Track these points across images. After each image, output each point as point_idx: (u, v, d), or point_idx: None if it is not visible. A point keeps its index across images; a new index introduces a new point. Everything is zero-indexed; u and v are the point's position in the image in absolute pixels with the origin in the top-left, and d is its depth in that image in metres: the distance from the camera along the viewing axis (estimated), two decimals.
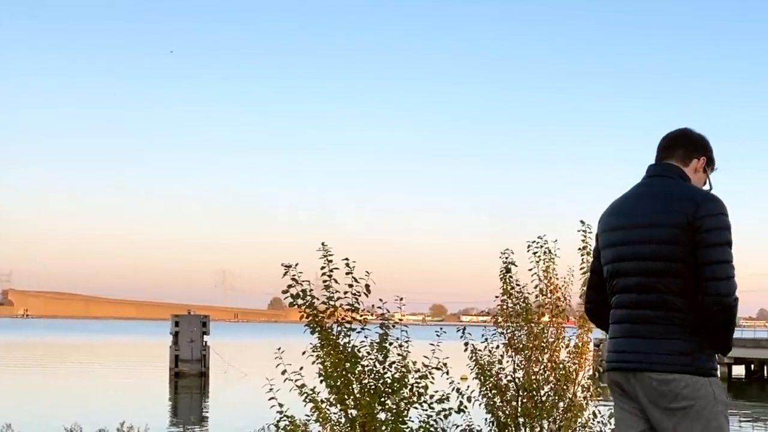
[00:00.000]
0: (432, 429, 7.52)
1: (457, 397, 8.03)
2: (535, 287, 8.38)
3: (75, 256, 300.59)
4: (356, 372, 7.51)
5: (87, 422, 11.08)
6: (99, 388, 31.79)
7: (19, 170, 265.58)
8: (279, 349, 7.69)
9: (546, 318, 8.35)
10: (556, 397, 8.03)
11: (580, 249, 8.24)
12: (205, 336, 37.29)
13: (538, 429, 8.00)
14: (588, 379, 8.40)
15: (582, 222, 8.18)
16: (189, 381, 34.70)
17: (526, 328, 8.23)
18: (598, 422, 8.09)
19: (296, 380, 7.62)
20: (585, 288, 3.06)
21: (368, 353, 7.64)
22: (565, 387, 8.04)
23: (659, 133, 3.47)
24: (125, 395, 28.69)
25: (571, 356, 8.25)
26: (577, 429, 8.07)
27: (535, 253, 8.31)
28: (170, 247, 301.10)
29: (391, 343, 7.67)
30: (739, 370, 39.48)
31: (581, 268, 8.32)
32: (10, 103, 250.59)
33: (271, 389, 7.64)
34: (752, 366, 39.62)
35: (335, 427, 7.57)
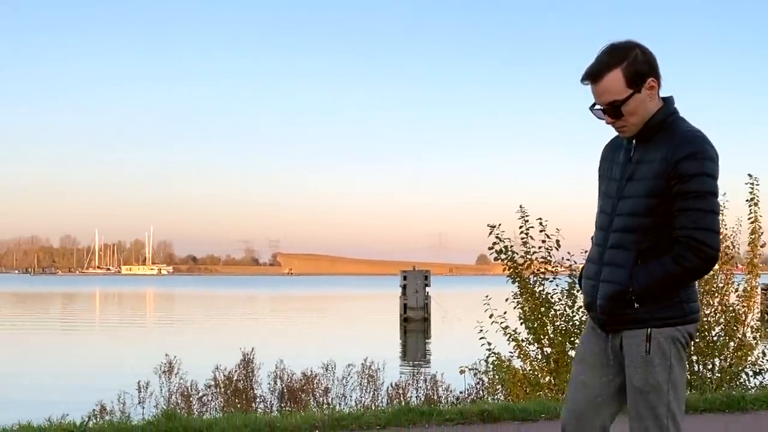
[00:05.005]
0: None
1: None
2: None
3: (325, 224, 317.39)
4: (550, 316, 7.85)
5: (339, 358, 12.04)
6: (346, 331, 33.80)
7: (289, 153, 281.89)
8: (487, 296, 8.08)
9: (716, 265, 8.17)
10: (727, 338, 7.83)
11: (747, 200, 7.92)
12: (426, 288, 38.68)
13: (711, 366, 7.85)
14: (757, 320, 8.11)
15: (750, 175, 7.79)
16: (415, 325, 36.23)
17: None
18: None
19: (501, 323, 8.02)
20: (718, 232, 2.53)
21: (559, 299, 7.95)
22: (734, 328, 7.82)
23: None
24: (366, 337, 30.33)
25: (740, 300, 7.99)
26: (747, 366, 7.85)
27: None
28: (396, 215, 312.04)
29: (578, 291, 7.90)
30: None
31: (749, 218, 8.00)
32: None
33: (481, 330, 8.04)
34: None
35: (533, 363, 7.92)
